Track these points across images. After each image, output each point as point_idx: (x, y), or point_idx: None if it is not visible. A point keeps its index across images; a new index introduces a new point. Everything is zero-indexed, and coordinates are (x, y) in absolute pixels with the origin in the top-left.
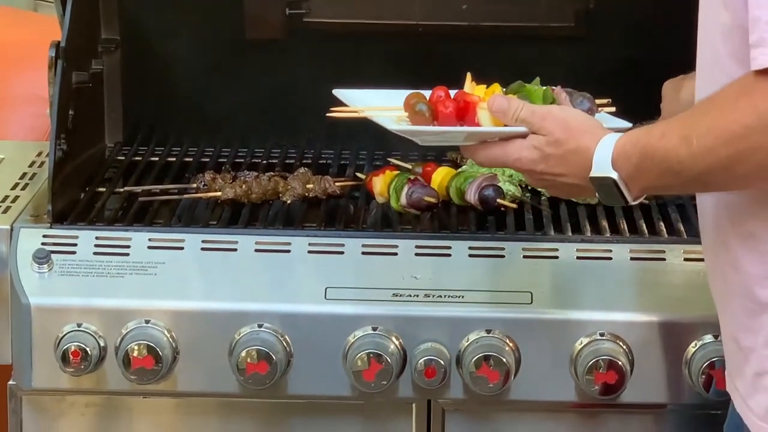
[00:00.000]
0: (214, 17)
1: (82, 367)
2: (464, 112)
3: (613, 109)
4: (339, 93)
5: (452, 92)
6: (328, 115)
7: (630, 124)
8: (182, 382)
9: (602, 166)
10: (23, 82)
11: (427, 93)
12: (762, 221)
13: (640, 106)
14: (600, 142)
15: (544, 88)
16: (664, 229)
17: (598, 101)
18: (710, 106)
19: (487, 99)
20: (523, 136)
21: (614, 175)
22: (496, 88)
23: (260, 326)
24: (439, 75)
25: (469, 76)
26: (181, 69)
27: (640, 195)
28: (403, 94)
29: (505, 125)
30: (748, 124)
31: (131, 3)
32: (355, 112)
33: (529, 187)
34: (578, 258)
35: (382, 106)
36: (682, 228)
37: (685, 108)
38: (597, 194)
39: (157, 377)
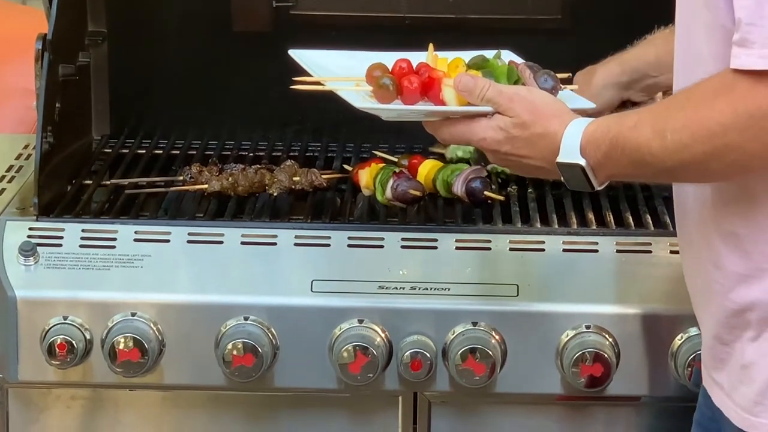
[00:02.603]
0: (201, 10)
1: (68, 359)
2: (428, 88)
3: (575, 86)
4: (296, 54)
5: (412, 56)
6: (291, 87)
7: (593, 105)
8: (168, 375)
9: (570, 153)
10: (12, 74)
11: (389, 61)
12: (743, 220)
13: None
14: (568, 127)
15: (508, 63)
16: (651, 222)
17: (559, 75)
18: (687, 101)
19: (451, 74)
20: (487, 114)
21: (582, 162)
22: (459, 62)
23: (246, 319)
24: None
25: (431, 47)
26: (168, 61)
27: (607, 181)
28: (362, 56)
29: (470, 104)
30: (725, 123)
31: None
32: (319, 83)
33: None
34: (564, 250)
35: (342, 74)
36: (668, 220)
37: (597, 93)
38: (562, 178)
39: (143, 370)
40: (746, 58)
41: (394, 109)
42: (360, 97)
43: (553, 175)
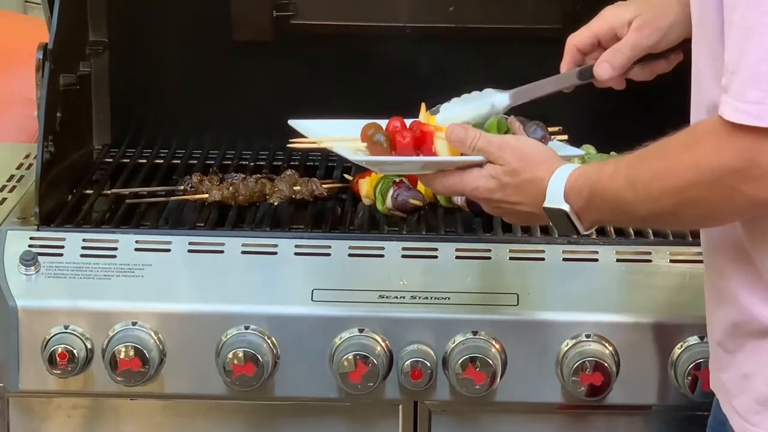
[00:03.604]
0: (201, 19)
1: (69, 369)
2: (422, 142)
3: (565, 137)
4: (294, 123)
5: (407, 122)
6: (288, 145)
7: (582, 152)
8: (169, 384)
9: (555, 198)
10: (13, 83)
11: (383, 123)
12: (748, 234)
13: (627, 104)
14: (555, 173)
15: (498, 117)
16: (651, 231)
17: (550, 129)
18: (658, 153)
19: (443, 128)
20: (480, 165)
21: (566, 208)
22: None
23: (247, 328)
24: (426, 77)
25: (423, 106)
26: (168, 71)
27: (592, 227)
28: (357, 123)
29: (462, 154)
30: (689, 178)
31: (119, 5)
32: (315, 143)
33: None
34: (564, 259)
35: (338, 136)
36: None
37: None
38: (550, 223)
39: (144, 379)
40: (724, 107)
41: (387, 161)
42: (354, 152)
43: (543, 221)
